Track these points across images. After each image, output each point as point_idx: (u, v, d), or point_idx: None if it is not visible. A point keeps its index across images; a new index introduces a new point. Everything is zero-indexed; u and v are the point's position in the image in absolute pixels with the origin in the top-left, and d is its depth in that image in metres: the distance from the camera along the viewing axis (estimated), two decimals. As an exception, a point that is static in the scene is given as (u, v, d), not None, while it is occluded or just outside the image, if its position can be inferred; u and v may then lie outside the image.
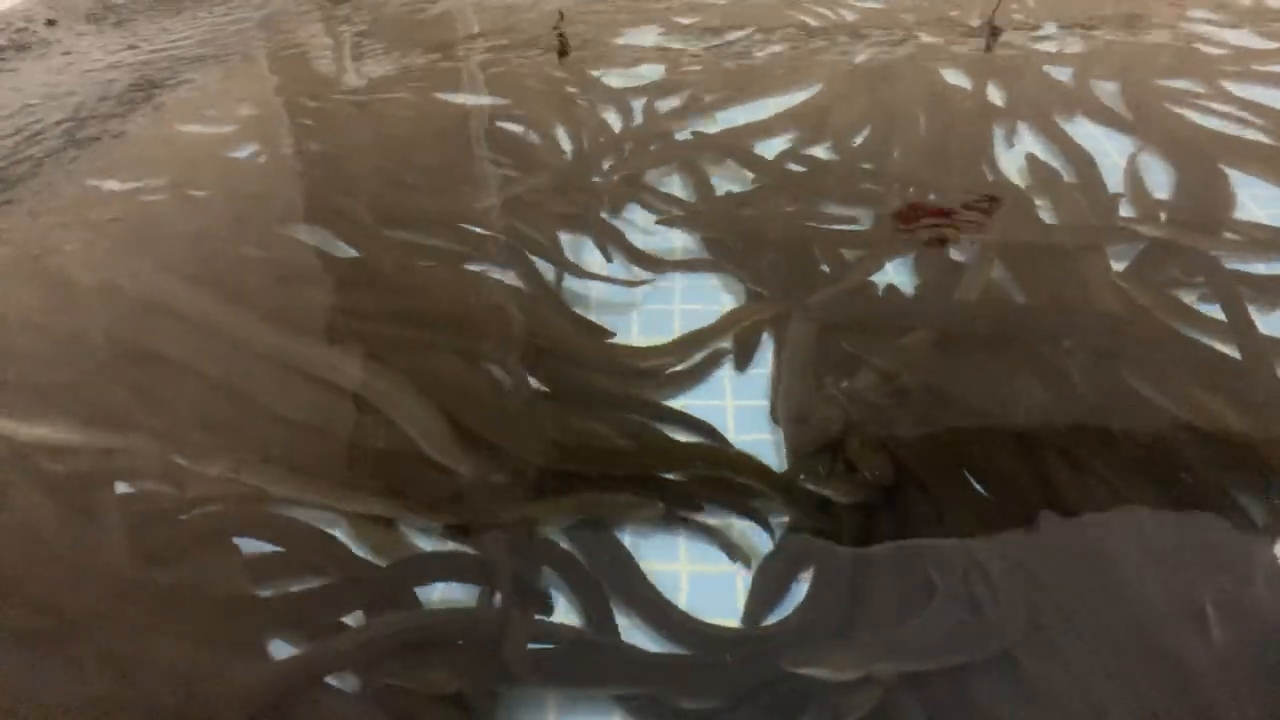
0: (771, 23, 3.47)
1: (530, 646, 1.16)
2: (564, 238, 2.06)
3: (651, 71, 3.05)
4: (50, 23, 3.82)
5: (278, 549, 1.33)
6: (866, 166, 2.31)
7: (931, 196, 2.13)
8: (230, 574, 1.27)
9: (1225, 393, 1.47)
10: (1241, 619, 1.13)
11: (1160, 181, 2.17)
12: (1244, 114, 2.45)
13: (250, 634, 1.20)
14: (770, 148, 2.43)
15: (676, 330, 1.76)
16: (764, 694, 1.10)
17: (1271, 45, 2.96)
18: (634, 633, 1.21)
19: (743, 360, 1.68)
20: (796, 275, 1.86)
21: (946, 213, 2.05)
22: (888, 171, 2.28)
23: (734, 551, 1.30)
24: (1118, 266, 1.83)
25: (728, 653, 1.16)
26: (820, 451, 1.43)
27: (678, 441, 1.49)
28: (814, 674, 1.09)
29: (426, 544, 1.34)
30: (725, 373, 1.66)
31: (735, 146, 2.45)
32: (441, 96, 2.94)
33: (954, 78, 2.82)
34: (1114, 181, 2.16)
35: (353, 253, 2.05)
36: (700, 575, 1.28)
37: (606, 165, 2.40)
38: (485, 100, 2.91)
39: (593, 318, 1.80)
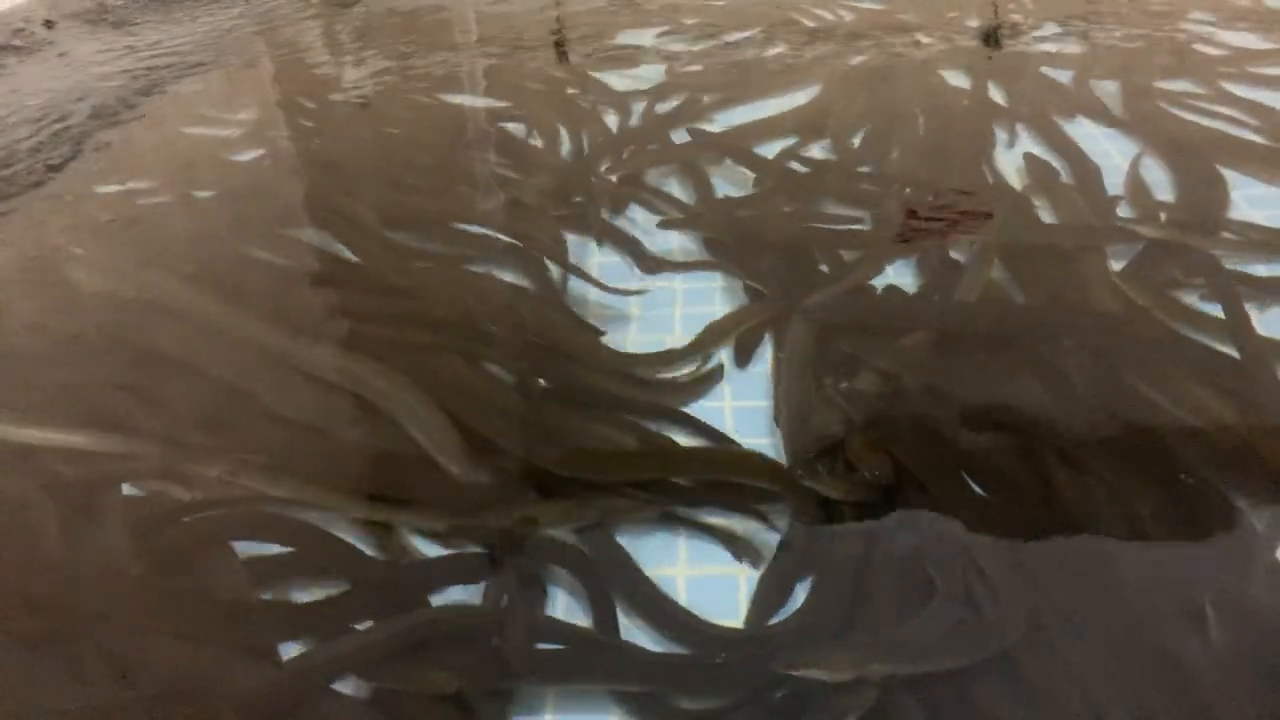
0: (770, 24, 3.48)
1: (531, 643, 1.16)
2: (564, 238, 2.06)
3: (651, 73, 3.05)
4: (48, 24, 3.82)
5: (283, 551, 1.33)
6: (865, 168, 2.32)
7: (930, 198, 2.13)
8: (234, 577, 1.27)
9: (1225, 393, 1.47)
10: (1241, 619, 1.13)
11: (1159, 182, 2.17)
12: (1242, 115, 2.45)
13: (256, 638, 1.20)
14: (770, 149, 2.43)
15: (677, 331, 1.76)
16: (766, 694, 1.10)
17: (1269, 46, 2.97)
18: (634, 633, 1.21)
19: (743, 358, 1.68)
20: (796, 276, 1.87)
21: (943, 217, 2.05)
22: (887, 172, 2.29)
23: (740, 550, 1.30)
24: (1116, 267, 1.83)
25: (728, 653, 1.16)
26: (820, 452, 1.44)
27: (681, 445, 1.49)
28: (808, 675, 1.09)
29: (427, 544, 1.34)
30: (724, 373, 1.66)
31: (735, 147, 2.45)
32: (441, 98, 2.94)
33: (953, 79, 2.83)
34: (1112, 182, 2.17)
35: (352, 253, 2.05)
36: (698, 578, 1.28)
37: (606, 166, 2.40)
38: (485, 101, 2.91)
39: (592, 318, 1.80)
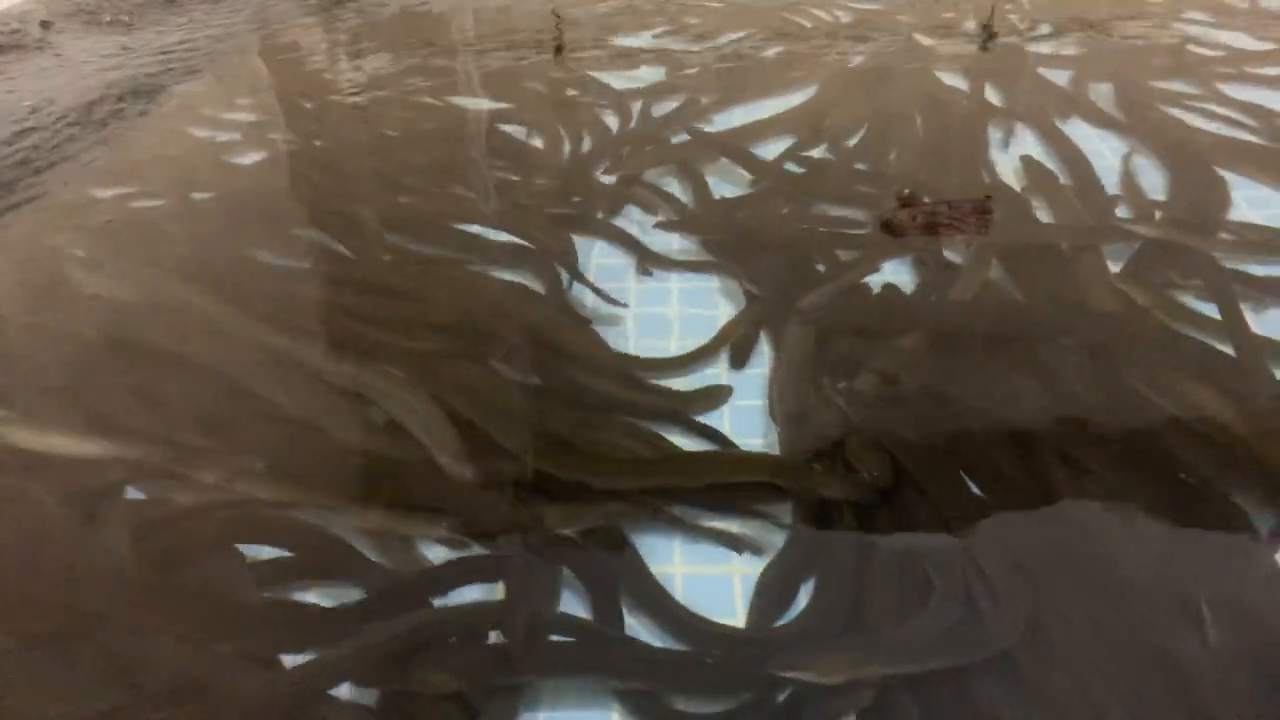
0: (769, 25, 3.48)
1: (532, 641, 1.17)
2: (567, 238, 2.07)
3: (649, 73, 3.05)
4: (45, 24, 3.81)
5: (284, 554, 1.33)
6: (862, 168, 2.32)
7: (926, 199, 2.13)
8: (238, 580, 1.27)
9: (1223, 392, 1.48)
10: (1238, 619, 1.13)
11: (1155, 183, 2.18)
12: (1238, 116, 2.46)
13: (260, 642, 1.20)
14: (767, 149, 2.44)
15: (675, 332, 1.76)
16: (766, 694, 1.10)
17: (1265, 47, 2.98)
18: (633, 631, 1.21)
19: (739, 360, 1.68)
20: (793, 277, 1.87)
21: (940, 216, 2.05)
22: (885, 172, 2.29)
23: (740, 545, 1.31)
24: (1114, 267, 1.84)
25: (727, 654, 1.16)
26: (818, 453, 1.44)
27: (689, 452, 1.49)
28: (801, 678, 1.09)
29: (427, 543, 1.34)
30: (722, 374, 1.67)
31: (732, 148, 2.45)
32: (439, 98, 2.94)
33: (950, 79, 2.83)
34: (1110, 183, 2.17)
35: (351, 254, 2.05)
36: (695, 577, 1.28)
37: (604, 167, 2.40)
38: (483, 102, 2.91)
39: (593, 318, 1.80)
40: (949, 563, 1.22)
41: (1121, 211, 2.06)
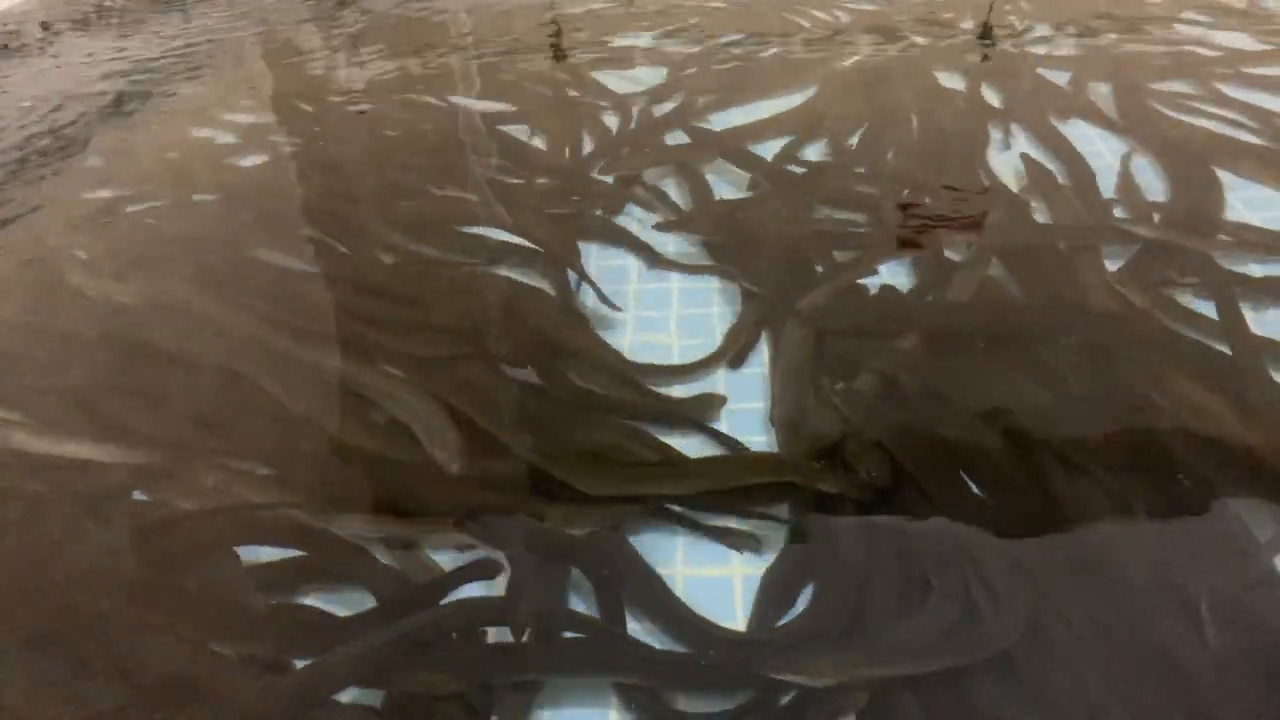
0: (767, 26, 3.49)
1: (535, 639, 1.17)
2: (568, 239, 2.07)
3: (648, 74, 3.06)
4: (44, 26, 3.81)
5: (286, 555, 1.33)
6: (861, 169, 2.32)
7: (927, 200, 2.14)
8: (239, 582, 1.27)
9: (1222, 393, 1.48)
10: (1238, 620, 1.13)
11: (1154, 183, 2.18)
12: (1236, 116, 2.46)
13: (262, 644, 1.20)
14: (766, 150, 2.44)
15: (673, 332, 1.76)
16: (767, 695, 1.11)
17: (1264, 48, 2.98)
18: (635, 633, 1.21)
19: (736, 359, 1.69)
20: (792, 278, 1.87)
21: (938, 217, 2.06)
22: (883, 173, 2.29)
23: (741, 544, 1.31)
24: (1112, 267, 1.84)
25: (724, 655, 1.16)
26: (817, 453, 1.44)
27: (693, 459, 1.48)
28: (795, 680, 1.09)
29: (428, 544, 1.34)
30: (721, 375, 1.67)
31: (731, 148, 2.45)
32: (439, 99, 2.94)
33: (948, 80, 2.83)
34: (1108, 183, 2.17)
35: (351, 255, 2.05)
36: (695, 578, 1.28)
37: (603, 167, 2.40)
38: (483, 103, 2.92)
39: (592, 318, 1.80)
40: (948, 563, 1.22)
41: (1119, 211, 2.06)
